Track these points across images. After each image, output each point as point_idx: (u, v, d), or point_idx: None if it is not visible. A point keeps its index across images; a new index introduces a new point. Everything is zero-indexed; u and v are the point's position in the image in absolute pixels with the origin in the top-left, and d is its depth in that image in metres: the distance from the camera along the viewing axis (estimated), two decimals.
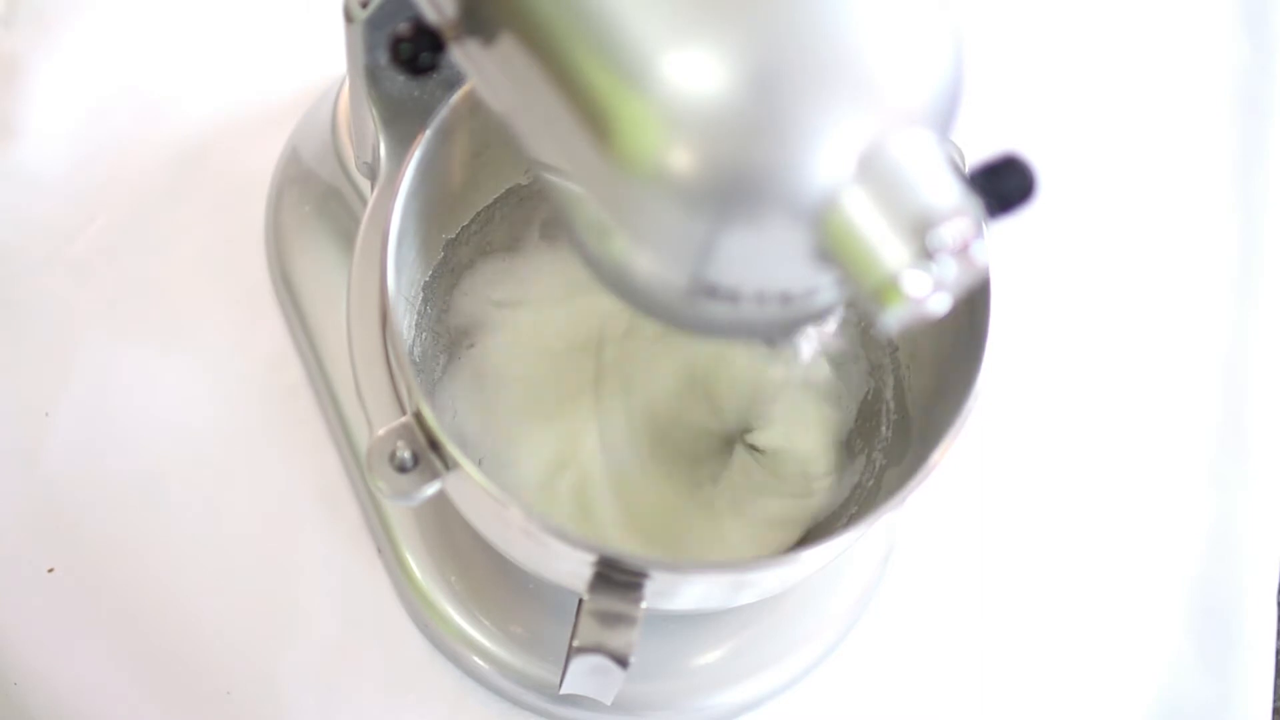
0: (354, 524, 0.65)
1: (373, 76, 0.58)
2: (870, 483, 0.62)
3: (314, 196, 0.69)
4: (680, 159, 0.36)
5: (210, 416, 0.67)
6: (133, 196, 0.71)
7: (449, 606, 0.62)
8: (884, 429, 0.62)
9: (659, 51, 0.36)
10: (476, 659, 0.62)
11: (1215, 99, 0.78)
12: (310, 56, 0.74)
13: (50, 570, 0.63)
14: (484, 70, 0.43)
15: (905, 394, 0.62)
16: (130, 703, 0.62)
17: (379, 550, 0.64)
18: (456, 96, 0.55)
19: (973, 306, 0.53)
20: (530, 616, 0.62)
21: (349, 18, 0.57)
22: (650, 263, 0.40)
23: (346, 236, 0.67)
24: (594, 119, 0.37)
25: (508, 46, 0.41)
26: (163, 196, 0.71)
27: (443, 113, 0.54)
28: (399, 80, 0.59)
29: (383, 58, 0.58)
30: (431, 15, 0.46)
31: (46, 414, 0.66)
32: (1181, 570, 0.67)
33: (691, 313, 0.40)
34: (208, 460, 0.66)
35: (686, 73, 0.36)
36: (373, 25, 0.57)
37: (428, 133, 0.54)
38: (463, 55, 0.45)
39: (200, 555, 0.64)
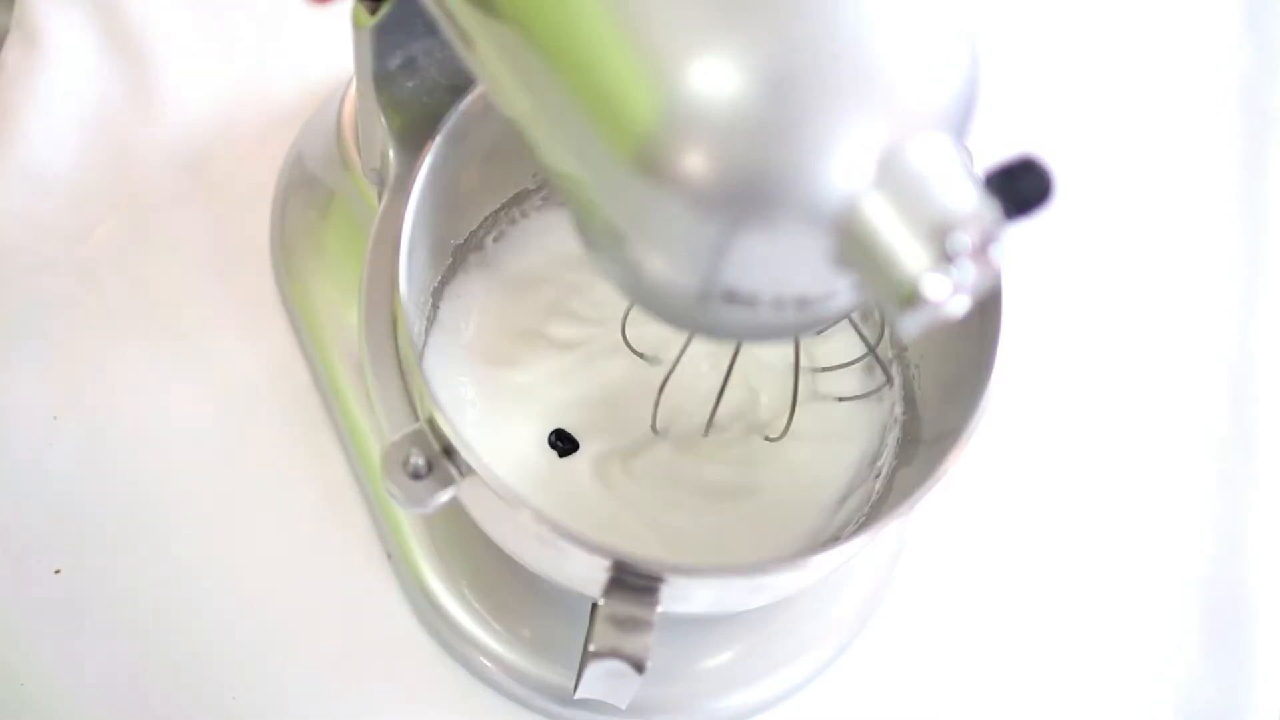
0: (362, 528, 0.65)
1: (381, 83, 0.58)
2: (880, 485, 0.62)
3: (319, 201, 0.69)
4: (697, 163, 0.36)
5: (216, 421, 0.67)
6: (138, 200, 0.71)
7: (460, 610, 0.62)
8: (891, 434, 0.62)
9: (676, 55, 0.36)
10: (487, 662, 0.62)
11: (1221, 103, 0.78)
12: (315, 60, 0.74)
13: (57, 571, 0.63)
14: (497, 75, 0.43)
15: (915, 394, 0.61)
16: (135, 706, 0.62)
17: (388, 555, 0.64)
18: (466, 102, 0.54)
19: (984, 307, 0.53)
20: (541, 619, 0.61)
21: (357, 24, 0.57)
22: (666, 267, 0.39)
23: (352, 241, 0.67)
24: (610, 123, 0.37)
25: (523, 50, 0.41)
26: (168, 201, 0.71)
27: (452, 119, 0.54)
28: (408, 86, 0.58)
29: (391, 63, 0.58)
30: (441, 22, 0.46)
31: (55, 417, 0.66)
32: (1191, 572, 0.67)
33: (708, 317, 0.40)
34: (214, 465, 0.66)
35: (704, 77, 0.36)
36: (381, 31, 0.56)
37: (437, 139, 0.53)
38: (475, 60, 0.45)
39: (207, 559, 0.64)
